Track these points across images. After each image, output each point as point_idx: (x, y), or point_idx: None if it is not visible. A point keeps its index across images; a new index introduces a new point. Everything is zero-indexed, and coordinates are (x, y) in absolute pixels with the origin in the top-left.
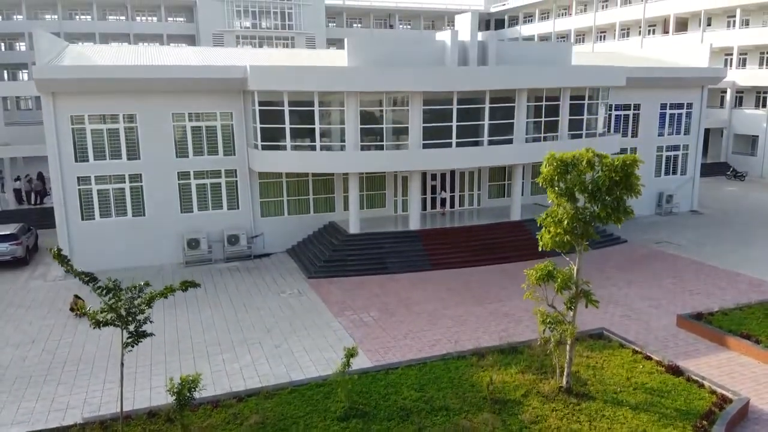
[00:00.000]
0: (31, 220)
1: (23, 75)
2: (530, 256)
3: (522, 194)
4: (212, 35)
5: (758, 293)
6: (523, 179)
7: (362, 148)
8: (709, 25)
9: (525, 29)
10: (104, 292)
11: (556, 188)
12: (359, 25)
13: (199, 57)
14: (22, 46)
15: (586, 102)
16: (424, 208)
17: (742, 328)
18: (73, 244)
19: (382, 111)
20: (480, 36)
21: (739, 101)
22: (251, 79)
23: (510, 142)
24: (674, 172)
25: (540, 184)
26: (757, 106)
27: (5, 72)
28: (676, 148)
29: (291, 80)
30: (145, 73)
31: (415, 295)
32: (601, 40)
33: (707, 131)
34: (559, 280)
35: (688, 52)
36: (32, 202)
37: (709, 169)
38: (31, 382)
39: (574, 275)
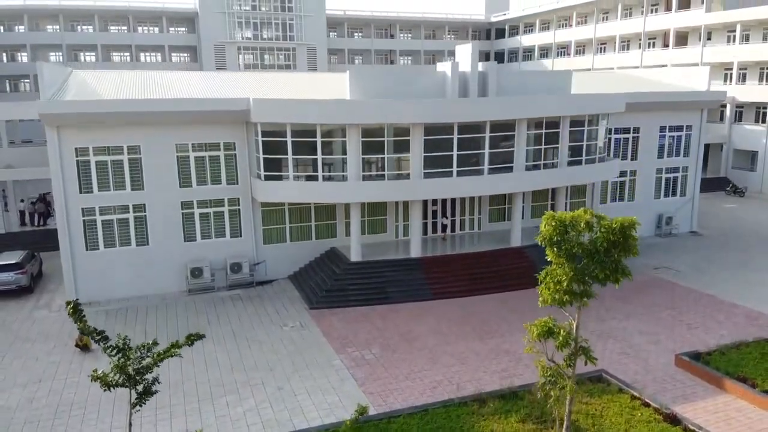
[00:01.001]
0: (35, 242)
1: (25, 85)
2: (530, 284)
3: (522, 217)
4: (214, 46)
5: (755, 327)
6: (523, 203)
7: (364, 178)
8: (709, 39)
9: (525, 39)
10: (114, 351)
11: (555, 249)
12: (360, 35)
13: (202, 83)
14: (24, 57)
15: (585, 128)
16: (425, 232)
17: (738, 370)
18: (77, 274)
19: (383, 141)
20: (480, 66)
21: (738, 116)
22: (254, 111)
23: (510, 170)
24: (674, 194)
25: (540, 243)
26: (756, 121)
27: (7, 83)
28: (675, 170)
29: (293, 113)
30: (149, 107)
31: (417, 328)
32: (601, 52)
33: (707, 146)
34: (559, 338)
35: (687, 74)
36: (36, 224)
37: (709, 185)
38: (40, 427)
39: (574, 331)
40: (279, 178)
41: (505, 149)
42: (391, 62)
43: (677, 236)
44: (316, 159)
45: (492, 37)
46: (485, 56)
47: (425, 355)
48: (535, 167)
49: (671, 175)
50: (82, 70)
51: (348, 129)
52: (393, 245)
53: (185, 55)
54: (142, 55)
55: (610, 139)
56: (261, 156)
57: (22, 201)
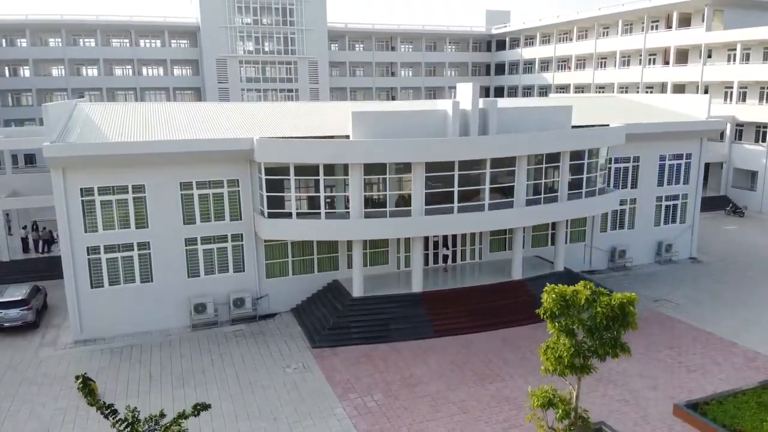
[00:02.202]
0: (39, 270)
1: (27, 98)
2: (531, 320)
3: (523, 247)
4: (215, 60)
5: (752, 369)
6: (524, 232)
7: (366, 215)
8: (709, 56)
9: (526, 52)
10: (124, 426)
11: (557, 323)
12: (361, 47)
13: (206, 116)
14: (26, 71)
15: (585, 161)
16: (426, 263)
17: (735, 422)
18: (82, 311)
19: (385, 178)
20: (481, 103)
21: (739, 135)
22: (258, 151)
23: (511, 205)
24: (673, 221)
25: (541, 316)
26: (756, 140)
27: (9, 96)
28: (675, 197)
29: (297, 153)
30: (154, 148)
31: (418, 371)
32: (601, 67)
33: (707, 165)
34: (560, 411)
35: (687, 101)
36: (40, 251)
37: (709, 204)
38: None
39: (574, 402)
40: (282, 215)
41: (506, 184)
42: (392, 74)
43: (677, 263)
44: (319, 196)
45: (492, 48)
46: (486, 68)
47: (427, 402)
48: (536, 201)
49: (671, 203)
50: (85, 102)
51: (350, 167)
52: (395, 277)
53: (187, 68)
54: (144, 69)
55: (610, 168)
56: (264, 193)
57: (24, 228)
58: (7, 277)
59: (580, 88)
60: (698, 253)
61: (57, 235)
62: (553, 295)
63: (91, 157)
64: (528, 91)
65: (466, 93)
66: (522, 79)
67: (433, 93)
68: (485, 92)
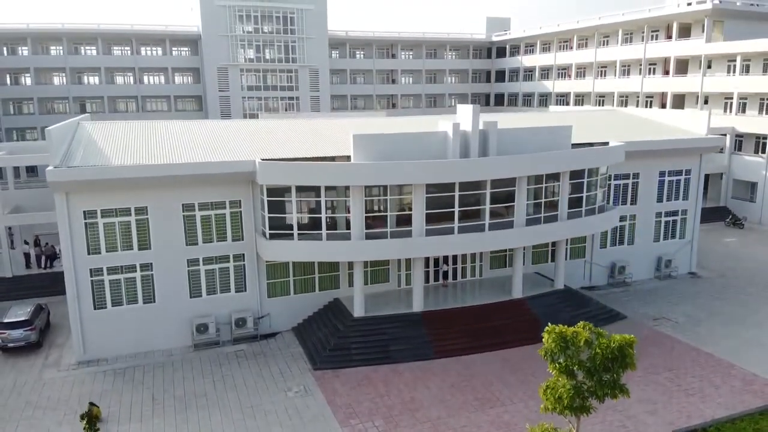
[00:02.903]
0: (43, 287)
1: (29, 106)
2: (531, 340)
3: (523, 263)
4: (217, 69)
5: (750, 393)
6: (524, 249)
7: (367, 236)
8: (709, 67)
9: (526, 60)
10: None
11: (557, 364)
12: (362, 54)
13: (209, 133)
14: (27, 80)
15: (585, 180)
16: (427, 280)
17: None
18: (85, 333)
19: (386, 199)
20: (481, 124)
21: (738, 145)
22: (260, 174)
23: (511, 225)
24: (673, 236)
25: (542, 357)
26: (756, 151)
27: (11, 105)
28: (674, 213)
29: (299, 176)
30: (157, 172)
31: (419, 395)
32: (601, 76)
33: (707, 175)
34: None
35: (687, 117)
36: (42, 266)
37: (709, 214)
38: None
39: None
40: (284, 236)
41: (506, 204)
42: (393, 81)
43: (676, 278)
44: (321, 218)
45: (493, 55)
46: (486, 75)
47: (428, 429)
48: (536, 220)
49: (671, 218)
50: (88, 121)
51: (352, 189)
52: (395, 295)
53: (188, 75)
54: (145, 76)
55: (609, 185)
56: (266, 214)
57: (27, 243)
58: (10, 294)
59: (580, 97)
60: (698, 267)
61: (59, 251)
62: (554, 335)
63: (93, 180)
64: (528, 99)
65: (466, 114)
66: (522, 87)
67: (434, 100)
68: (485, 99)
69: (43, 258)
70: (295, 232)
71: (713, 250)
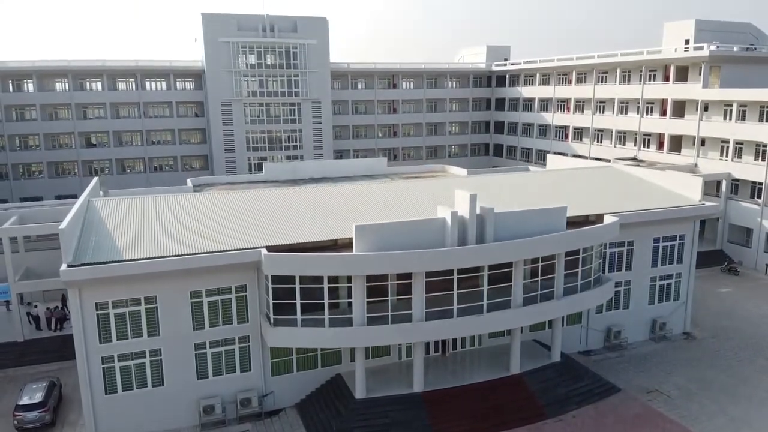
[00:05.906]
0: (54, 350)
1: (35, 140)
2: (530, 420)
3: (521, 331)
4: (221, 103)
5: None
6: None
7: (368, 321)
8: (706, 109)
9: (525, 91)
10: None
11: None
12: (363, 84)
13: (217, 210)
14: (33, 114)
15: (581, 255)
16: (427, 351)
17: None
18: (97, 417)
19: (387, 285)
20: (478, 209)
21: (734, 189)
22: (265, 265)
23: (508, 305)
24: (667, 299)
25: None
26: (752, 196)
27: (17, 139)
28: (668, 276)
29: (303, 267)
30: (167, 266)
31: None
32: (600, 111)
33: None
34: None
35: (681, 181)
36: (52, 329)
37: (705, 259)
38: None
39: None
40: (288, 323)
41: (503, 284)
42: (394, 110)
43: (671, 339)
44: (323, 304)
45: (493, 84)
46: (486, 103)
47: None
48: (533, 299)
49: (665, 282)
50: (98, 198)
51: (354, 277)
52: (396, 369)
53: (192, 108)
54: (150, 109)
55: (604, 254)
56: (271, 300)
57: (37, 306)
58: (23, 359)
59: (579, 130)
60: (692, 326)
61: (69, 312)
62: None
63: (106, 278)
64: (528, 128)
65: (464, 202)
66: (522, 117)
67: (434, 128)
68: (485, 126)
69: (53, 320)
70: (299, 317)
71: (708, 304)
